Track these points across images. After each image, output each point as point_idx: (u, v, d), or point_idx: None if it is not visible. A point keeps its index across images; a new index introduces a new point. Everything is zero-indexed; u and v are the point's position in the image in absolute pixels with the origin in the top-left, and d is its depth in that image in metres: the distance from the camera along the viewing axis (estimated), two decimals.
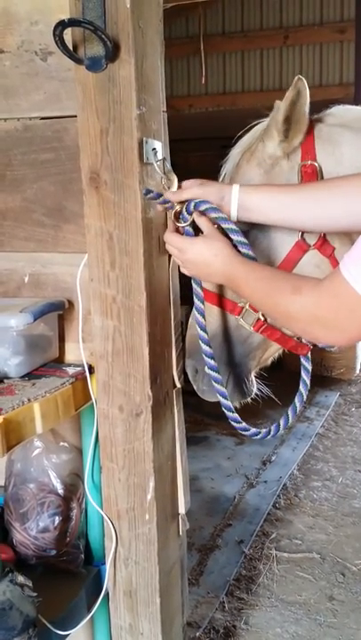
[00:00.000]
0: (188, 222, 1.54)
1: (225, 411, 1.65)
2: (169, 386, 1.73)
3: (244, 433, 1.70)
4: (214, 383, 1.61)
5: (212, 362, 1.59)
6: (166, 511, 1.75)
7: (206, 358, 1.60)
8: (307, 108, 1.49)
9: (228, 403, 1.64)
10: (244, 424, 1.67)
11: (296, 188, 1.50)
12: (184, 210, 1.53)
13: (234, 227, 1.50)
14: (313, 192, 1.46)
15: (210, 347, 1.60)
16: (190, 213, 1.53)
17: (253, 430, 1.70)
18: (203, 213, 1.51)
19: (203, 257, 1.48)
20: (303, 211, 1.45)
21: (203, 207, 1.50)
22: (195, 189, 1.51)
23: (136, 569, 1.72)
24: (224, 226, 1.50)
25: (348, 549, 3.49)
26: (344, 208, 1.42)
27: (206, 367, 1.60)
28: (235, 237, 1.51)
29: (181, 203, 1.54)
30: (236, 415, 1.66)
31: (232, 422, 1.67)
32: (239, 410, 1.73)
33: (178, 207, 1.54)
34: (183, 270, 1.58)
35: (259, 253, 1.58)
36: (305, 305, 1.30)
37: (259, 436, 1.71)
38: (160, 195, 1.52)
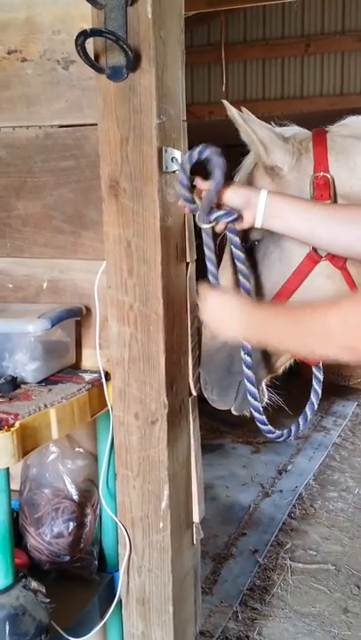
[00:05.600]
0: (208, 226, 1.55)
1: (258, 424, 1.69)
2: (185, 394, 1.73)
3: (269, 435, 1.74)
4: (249, 397, 1.62)
5: (249, 372, 1.60)
6: (180, 519, 1.75)
7: (245, 369, 1.60)
8: (259, 133, 1.57)
9: (263, 417, 1.67)
10: (277, 432, 1.73)
11: (321, 204, 1.50)
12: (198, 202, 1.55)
13: (237, 240, 1.55)
14: (337, 213, 1.46)
15: (250, 356, 1.60)
16: (210, 220, 1.54)
17: (278, 433, 1.75)
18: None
19: (221, 314, 1.51)
20: (325, 228, 1.45)
21: (217, 214, 1.53)
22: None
23: (149, 577, 1.71)
24: (229, 236, 1.54)
25: None
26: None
27: (245, 379, 1.61)
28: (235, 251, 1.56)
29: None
30: (269, 427, 1.70)
31: (263, 430, 1.72)
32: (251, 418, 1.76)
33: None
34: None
35: (269, 264, 1.58)
36: (349, 313, 1.22)
37: (273, 435, 1.75)
38: None
